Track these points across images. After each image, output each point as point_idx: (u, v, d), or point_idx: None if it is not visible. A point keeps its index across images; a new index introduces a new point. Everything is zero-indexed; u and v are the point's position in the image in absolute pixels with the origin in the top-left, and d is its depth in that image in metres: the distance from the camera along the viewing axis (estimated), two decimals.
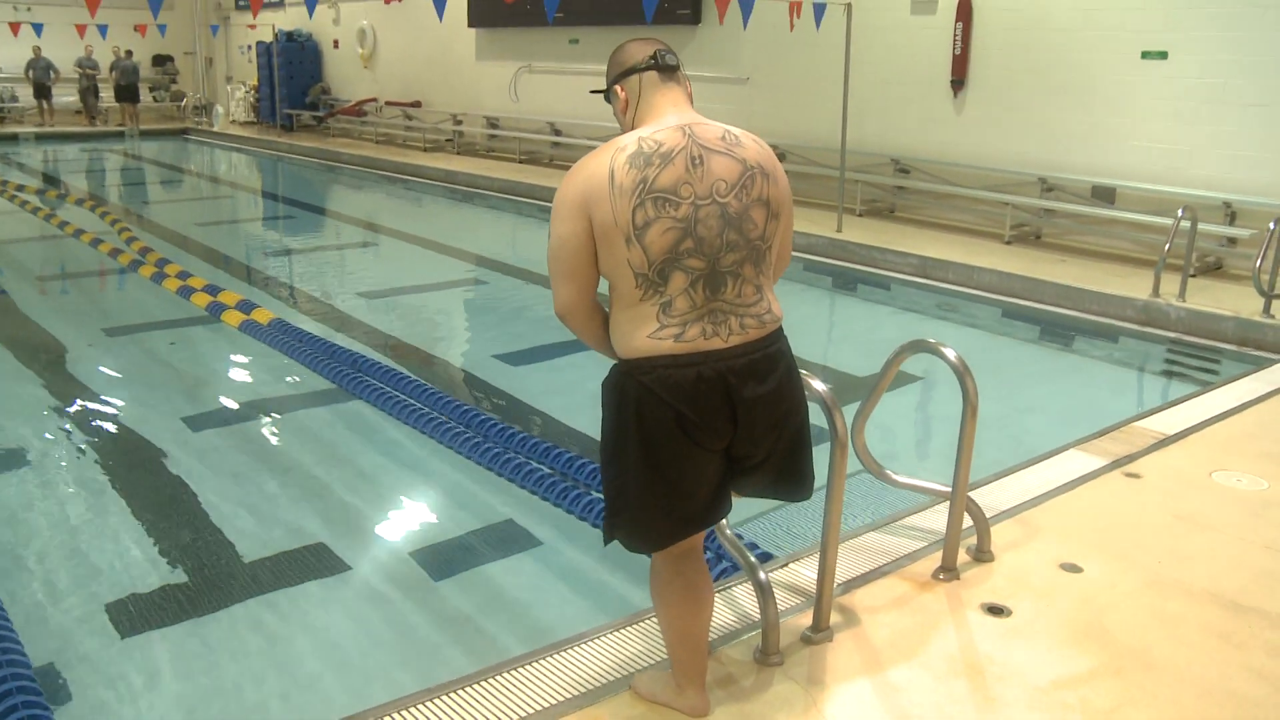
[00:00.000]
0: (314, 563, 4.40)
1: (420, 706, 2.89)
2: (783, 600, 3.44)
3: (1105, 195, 10.18)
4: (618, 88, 2.64)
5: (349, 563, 4.40)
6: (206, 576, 4.30)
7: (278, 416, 6.27)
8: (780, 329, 2.65)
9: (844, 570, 3.67)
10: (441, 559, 4.45)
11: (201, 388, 6.78)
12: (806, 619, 3.33)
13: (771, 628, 3.13)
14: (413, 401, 6.17)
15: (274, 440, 5.91)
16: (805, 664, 3.14)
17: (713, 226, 2.46)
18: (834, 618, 3.34)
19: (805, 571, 3.67)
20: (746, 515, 4.64)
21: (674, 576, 2.74)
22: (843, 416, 3.09)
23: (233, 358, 7.61)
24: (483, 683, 3.00)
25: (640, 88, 2.60)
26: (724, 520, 3.46)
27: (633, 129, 2.58)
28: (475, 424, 5.76)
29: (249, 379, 7.15)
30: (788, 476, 2.71)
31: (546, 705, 2.89)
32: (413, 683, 3.40)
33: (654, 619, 3.29)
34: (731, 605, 3.46)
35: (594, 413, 2.76)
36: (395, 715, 2.85)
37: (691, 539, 2.71)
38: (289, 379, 6.94)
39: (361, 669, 3.67)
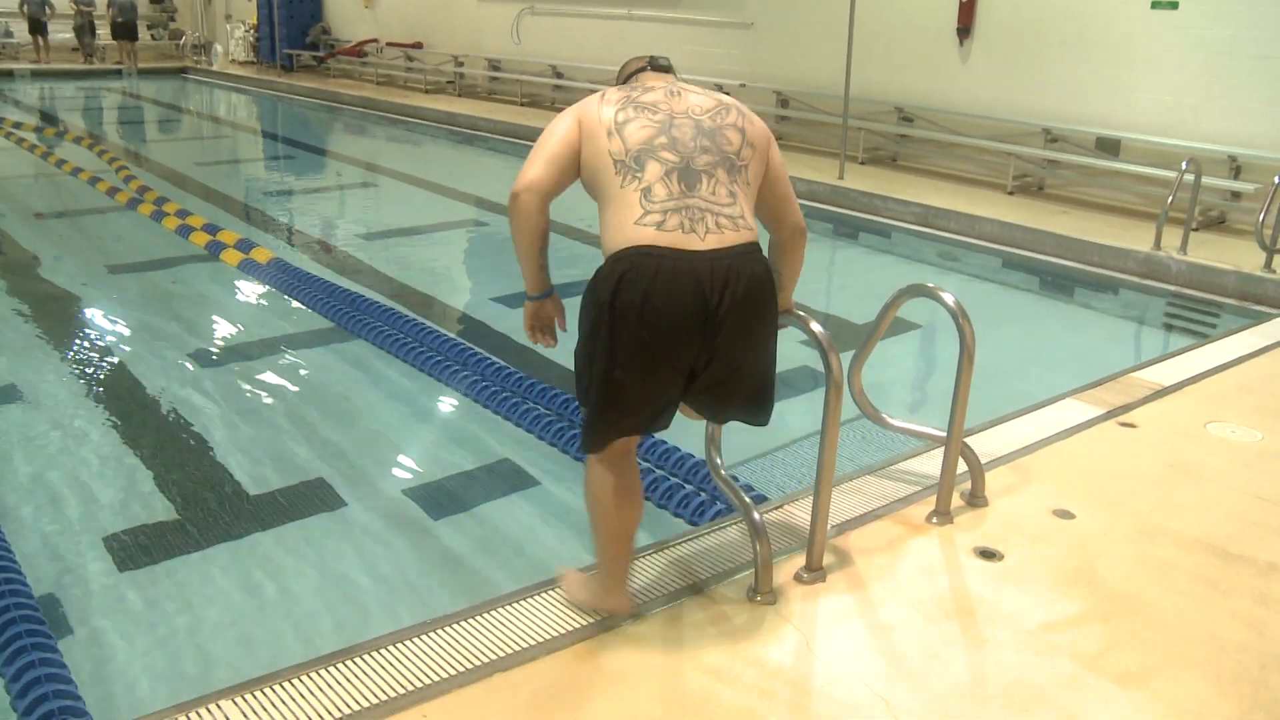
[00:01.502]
0: (314, 499, 4.41)
1: (415, 640, 2.91)
2: (776, 541, 3.45)
3: (1109, 147, 10.10)
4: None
5: (347, 499, 4.42)
6: (207, 511, 4.32)
7: (277, 355, 6.26)
8: (755, 244, 2.70)
9: (838, 512, 3.68)
10: (439, 497, 4.47)
11: (201, 326, 6.77)
12: (800, 560, 3.34)
13: (765, 567, 3.15)
14: (411, 341, 6.17)
15: (274, 378, 5.91)
16: (798, 603, 3.16)
17: (687, 131, 2.67)
18: (827, 559, 3.36)
19: (799, 513, 3.69)
20: (742, 456, 4.65)
21: (611, 477, 2.82)
22: (839, 359, 3.07)
23: (232, 296, 7.59)
24: (476, 618, 3.02)
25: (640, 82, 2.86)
26: (719, 461, 3.48)
27: None
28: (473, 363, 5.76)
29: (248, 317, 7.14)
30: (749, 397, 2.82)
31: (540, 640, 2.91)
32: (409, 617, 3.44)
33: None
34: (725, 545, 3.48)
35: None
36: (391, 648, 2.87)
37: (629, 441, 2.83)
38: (288, 318, 6.92)
39: (360, 604, 3.69)
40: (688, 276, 2.55)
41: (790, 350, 6.25)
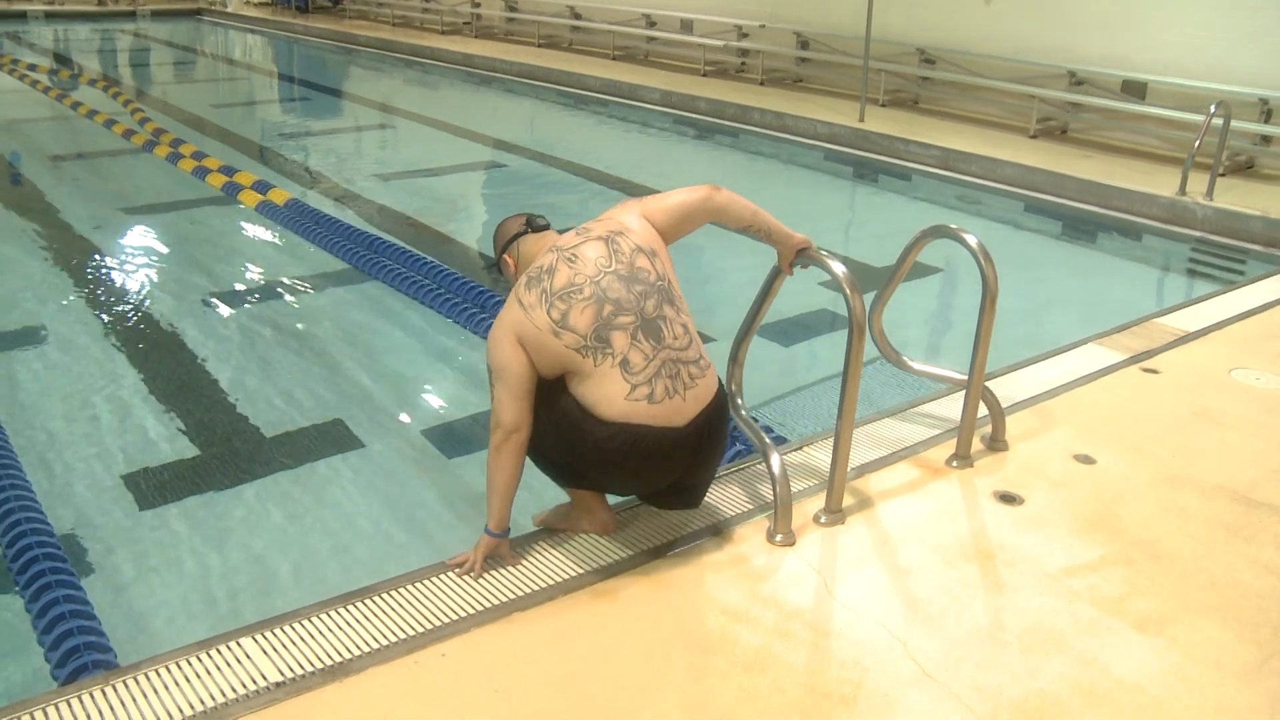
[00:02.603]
0: (331, 440, 4.41)
1: (433, 580, 2.91)
2: (796, 483, 3.44)
3: (1136, 90, 9.90)
4: (506, 257, 3.02)
5: (364, 440, 4.42)
6: (226, 451, 4.33)
7: (294, 296, 6.24)
8: (717, 381, 2.94)
9: (858, 455, 3.65)
10: (456, 437, 4.47)
11: (218, 267, 6.75)
12: (819, 502, 3.33)
13: (784, 509, 3.13)
14: (428, 282, 6.14)
15: (290, 320, 5.90)
16: (816, 545, 3.14)
17: (617, 288, 2.79)
18: (846, 501, 3.34)
19: (819, 455, 3.66)
20: (763, 398, 4.63)
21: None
22: (861, 300, 3.03)
23: (249, 238, 7.56)
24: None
25: (519, 251, 2.99)
26: (740, 401, 3.46)
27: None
28: (491, 305, 5.73)
29: (265, 259, 7.11)
30: (697, 495, 3.09)
31: (559, 579, 2.91)
32: (427, 557, 3.44)
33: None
34: (745, 486, 3.46)
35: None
36: (410, 587, 2.87)
37: None
38: (305, 260, 6.89)
39: (378, 544, 3.71)
40: (680, 447, 2.83)
41: (810, 292, 6.28)
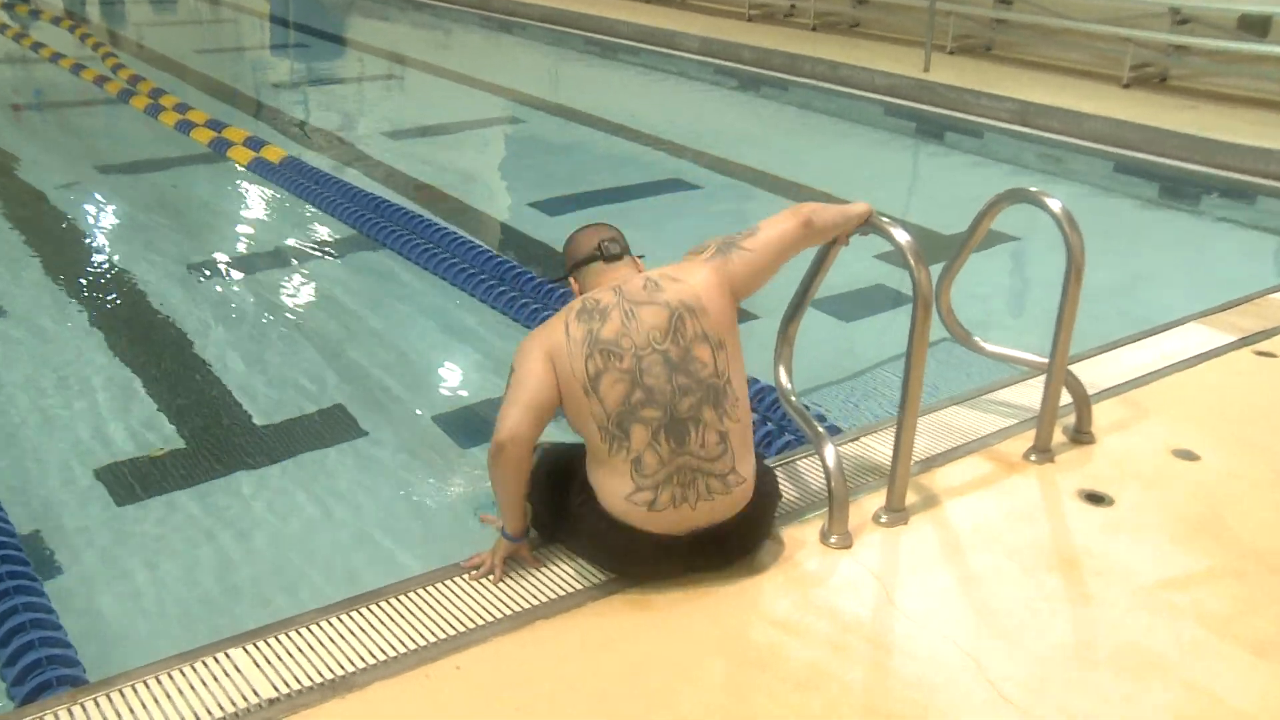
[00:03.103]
0: (330, 427, 4.44)
1: (446, 584, 2.91)
2: (853, 478, 3.42)
3: (1256, 27, 9.62)
4: (571, 280, 3.08)
5: (368, 428, 4.44)
6: (212, 442, 4.36)
7: (291, 266, 6.28)
8: (748, 507, 2.92)
9: (923, 446, 3.62)
10: (471, 425, 4.48)
11: (206, 233, 6.80)
12: (879, 499, 3.30)
13: (840, 507, 3.12)
14: (441, 251, 6.15)
15: (287, 292, 5.94)
16: (876, 548, 3.13)
17: (659, 374, 2.80)
18: (910, 498, 3.32)
19: (879, 447, 3.64)
20: (815, 383, 4.61)
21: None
22: (928, 272, 3.00)
23: (240, 201, 7.61)
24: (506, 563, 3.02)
25: (586, 277, 3.03)
26: (790, 386, 3.44)
27: None
28: (509, 277, 5.73)
29: (259, 224, 7.17)
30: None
31: (588, 584, 2.91)
32: (435, 559, 3.45)
33: None
34: (795, 482, 3.45)
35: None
36: (420, 592, 2.88)
37: None
38: (304, 225, 6.94)
39: (384, 544, 3.72)
40: (670, 556, 2.87)
41: (870, 263, 6.24)
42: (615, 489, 2.82)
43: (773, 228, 3.03)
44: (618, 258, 3.03)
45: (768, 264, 3.00)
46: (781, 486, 3.39)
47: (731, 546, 2.97)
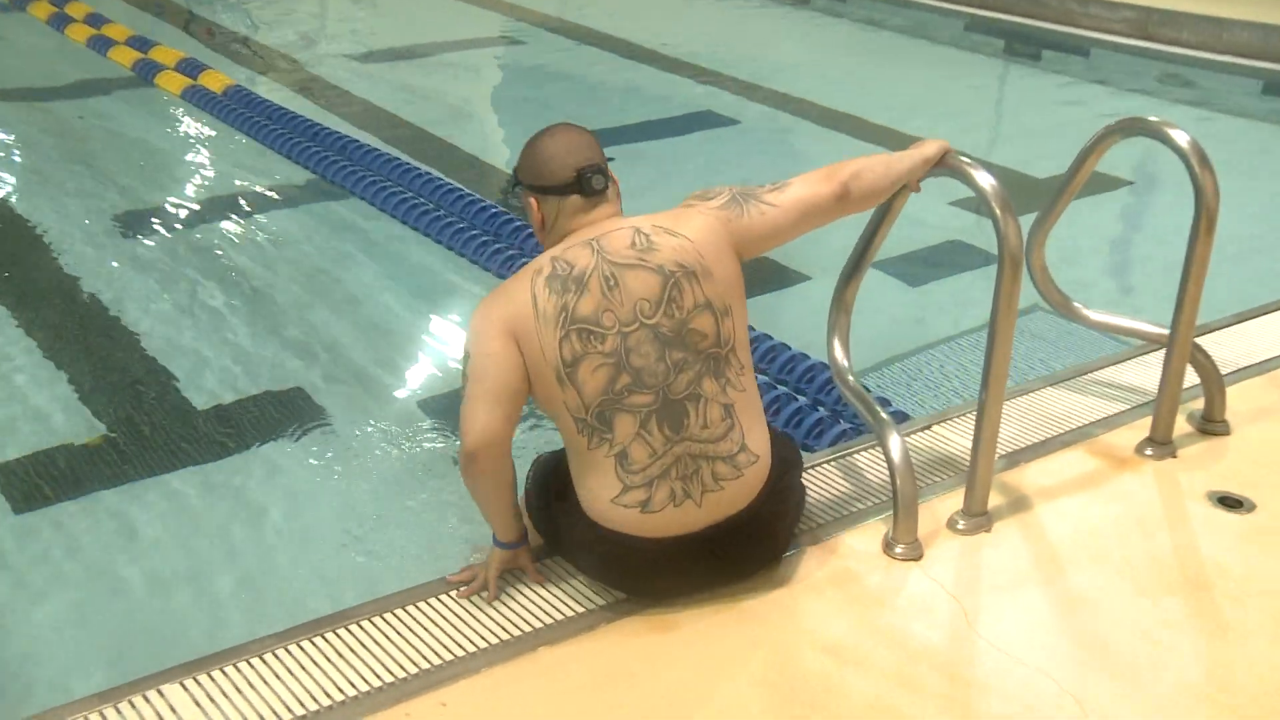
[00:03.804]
0: (288, 414, 4.45)
1: (428, 604, 2.91)
2: (924, 475, 3.40)
3: None
4: (532, 200, 2.92)
5: (334, 415, 4.45)
6: (137, 432, 4.36)
7: (238, 219, 6.29)
8: (762, 490, 2.90)
9: (1010, 437, 3.61)
10: (457, 410, 4.47)
11: (129, 178, 6.79)
12: (955, 501, 3.28)
13: (907, 510, 3.10)
14: (422, 200, 6.16)
15: (234, 251, 5.96)
16: (951, 560, 3.11)
17: (648, 352, 2.75)
18: (993, 500, 3.29)
19: (955, 437, 3.63)
20: (878, 358, 4.62)
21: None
22: (1017, 224, 2.97)
23: (172, 137, 7.61)
24: (511, 574, 3.02)
25: (558, 212, 2.90)
26: (846, 363, 3.42)
27: (547, 246, 2.93)
28: (506, 231, 5.74)
29: (196, 167, 7.17)
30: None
31: (601, 603, 2.91)
32: (416, 574, 3.45)
33: None
34: (853, 479, 3.44)
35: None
36: (397, 614, 2.88)
37: None
38: (253, 167, 6.94)
39: (351, 556, 3.72)
40: (686, 566, 2.87)
41: (941, 214, 6.20)
42: (599, 490, 2.80)
43: (805, 186, 2.97)
44: (599, 192, 2.89)
45: (788, 228, 2.96)
46: (837, 486, 3.39)
47: (756, 540, 2.95)
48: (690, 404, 2.77)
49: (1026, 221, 3.56)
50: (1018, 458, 3.58)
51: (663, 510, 2.77)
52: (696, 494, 2.78)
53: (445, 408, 4.48)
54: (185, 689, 2.64)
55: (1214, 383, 3.76)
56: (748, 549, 2.94)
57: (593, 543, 2.86)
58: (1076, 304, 3.92)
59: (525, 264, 3.01)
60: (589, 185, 2.86)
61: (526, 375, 2.76)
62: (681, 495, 2.77)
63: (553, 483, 2.99)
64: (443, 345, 5.12)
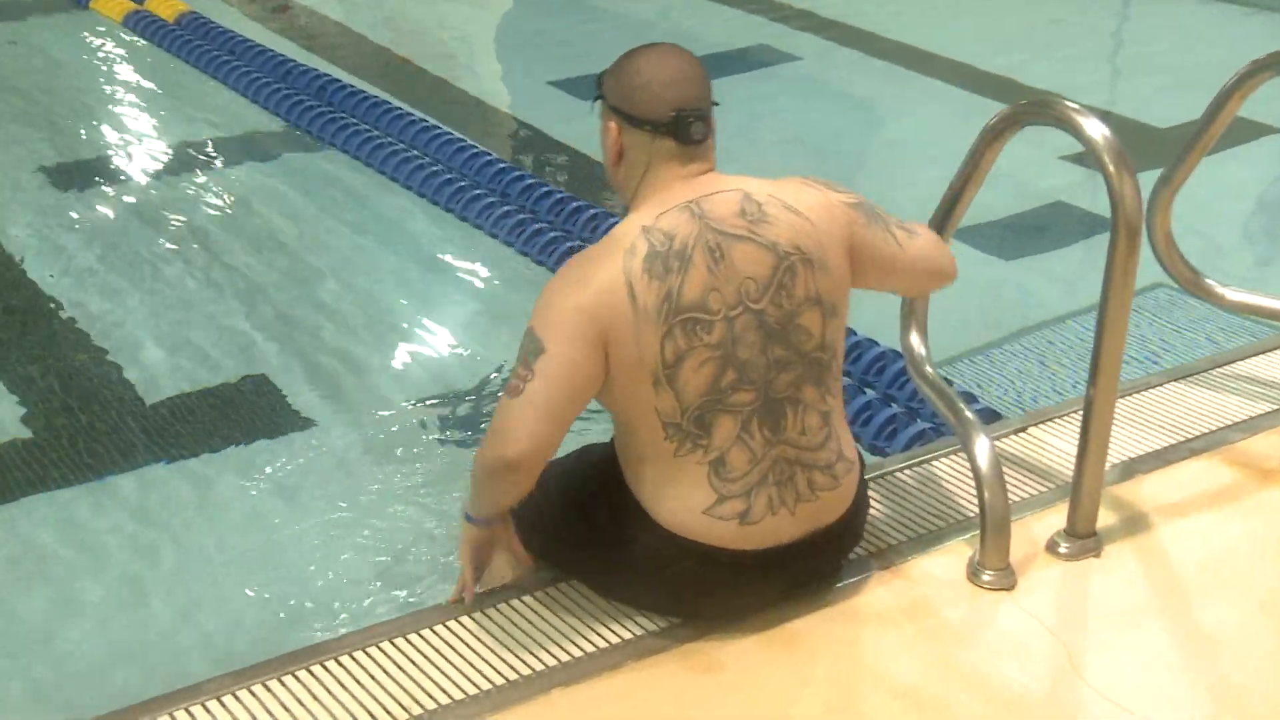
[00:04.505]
0: (253, 410, 4.50)
1: (419, 635, 2.93)
2: (1017, 487, 3.40)
3: None
4: (613, 124, 2.86)
5: (308, 412, 4.48)
6: (76, 428, 4.39)
7: (195, 173, 6.33)
8: (854, 502, 3.00)
9: (1124, 442, 3.61)
10: (462, 408, 4.54)
11: (64, 122, 6.83)
12: (1056, 518, 3.28)
13: (997, 529, 3.08)
14: (416, 153, 6.19)
15: (189, 212, 5.99)
16: (1051, 590, 3.11)
17: (753, 343, 2.78)
18: (1104, 519, 3.27)
19: (1056, 441, 3.63)
20: (960, 348, 4.64)
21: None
22: (1135, 184, 2.95)
23: (114, 74, 7.63)
24: (518, 600, 3.03)
25: (643, 152, 2.83)
26: (924, 352, 3.42)
27: (626, 194, 2.91)
28: (517, 191, 5.77)
29: (144, 110, 7.19)
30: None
31: (628, 636, 2.92)
32: (400, 604, 3.48)
33: None
34: (931, 491, 3.44)
35: None
36: (382, 648, 2.90)
37: None
38: (212, 110, 6.98)
39: (327, 581, 3.72)
40: (757, 578, 2.92)
41: (1041, 171, 6.13)
42: (686, 502, 2.82)
43: (934, 246, 3.08)
44: (699, 141, 2.84)
45: (898, 273, 3.06)
46: (912, 498, 3.39)
47: (841, 553, 3.06)
48: (789, 406, 2.82)
49: (1148, 180, 3.57)
50: (1134, 467, 3.57)
51: (761, 522, 2.82)
52: (791, 502, 2.85)
53: (443, 408, 4.53)
54: None
55: None
56: (834, 561, 3.04)
57: (668, 559, 2.86)
58: (1209, 281, 3.92)
59: (611, 227, 2.98)
60: (687, 132, 2.80)
61: (596, 387, 2.76)
62: (778, 503, 2.83)
63: (586, 494, 3.01)
64: (440, 332, 5.12)
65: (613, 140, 2.86)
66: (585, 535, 3.01)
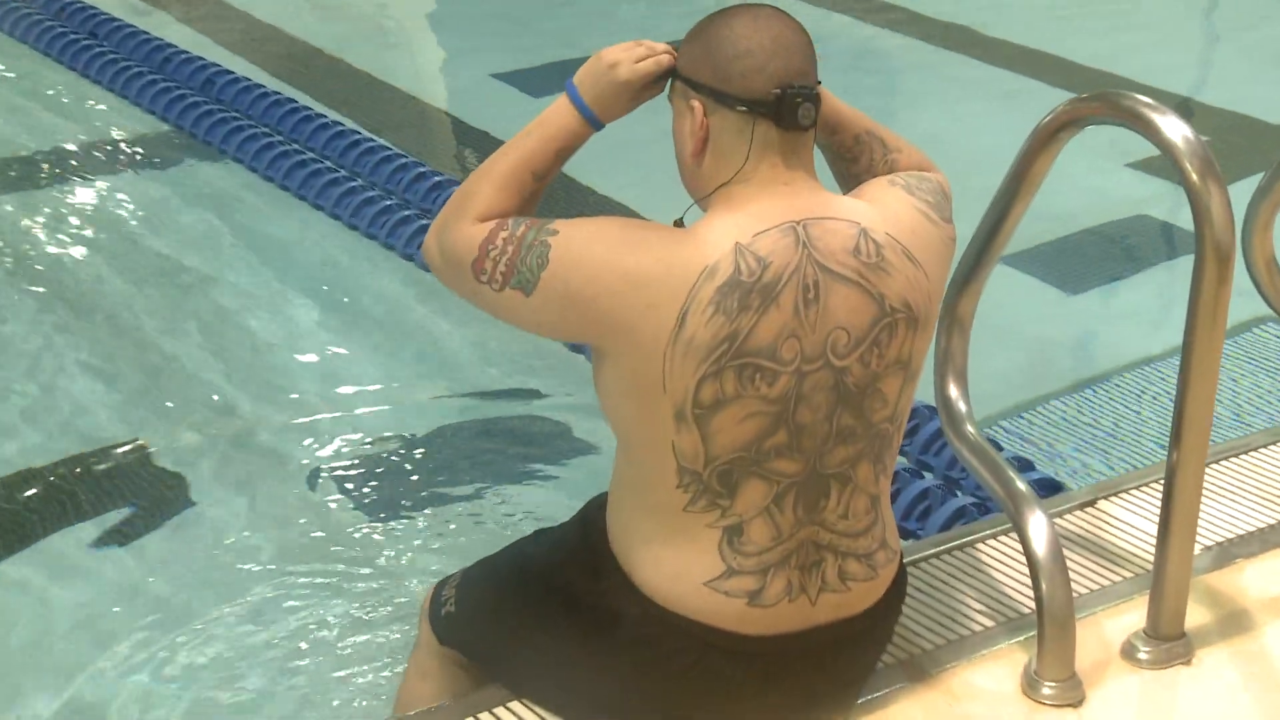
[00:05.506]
0: (122, 486, 4.51)
1: None
2: (1083, 578, 3.41)
3: None
4: (697, 104, 2.74)
5: (194, 487, 4.49)
6: None
7: (50, 188, 6.37)
8: (890, 593, 3.00)
9: (1215, 521, 3.62)
10: (384, 478, 4.56)
11: None
12: (1134, 616, 3.28)
13: (1059, 630, 3.07)
14: (332, 164, 6.24)
15: (41, 238, 6.03)
16: (1129, 706, 3.11)
17: (820, 405, 2.73)
18: (1193, 617, 3.27)
19: (1132, 518, 3.65)
20: (1009, 403, 4.67)
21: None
22: (1226, 196, 2.96)
23: None
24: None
25: (738, 140, 2.74)
26: (965, 409, 3.43)
27: (704, 193, 2.80)
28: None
29: None
30: None
31: None
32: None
33: None
34: (976, 580, 3.45)
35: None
36: None
37: None
38: (73, 112, 7.02)
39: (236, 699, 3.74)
40: (782, 684, 2.89)
41: (1110, 181, 6.21)
42: (688, 569, 2.79)
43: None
44: (806, 131, 2.77)
45: None
46: (953, 592, 3.40)
47: (866, 652, 3.03)
48: (836, 484, 2.81)
49: (1245, 191, 3.58)
50: (1230, 551, 3.58)
51: (776, 606, 2.79)
52: (813, 591, 2.82)
53: (365, 474, 4.54)
54: None
55: None
56: (860, 665, 3.03)
57: (651, 642, 2.83)
58: None
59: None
60: (793, 114, 2.70)
61: (592, 339, 2.76)
62: (798, 589, 2.80)
63: (571, 563, 3.00)
64: (361, 382, 5.13)
65: (697, 124, 2.75)
66: (542, 612, 2.98)
